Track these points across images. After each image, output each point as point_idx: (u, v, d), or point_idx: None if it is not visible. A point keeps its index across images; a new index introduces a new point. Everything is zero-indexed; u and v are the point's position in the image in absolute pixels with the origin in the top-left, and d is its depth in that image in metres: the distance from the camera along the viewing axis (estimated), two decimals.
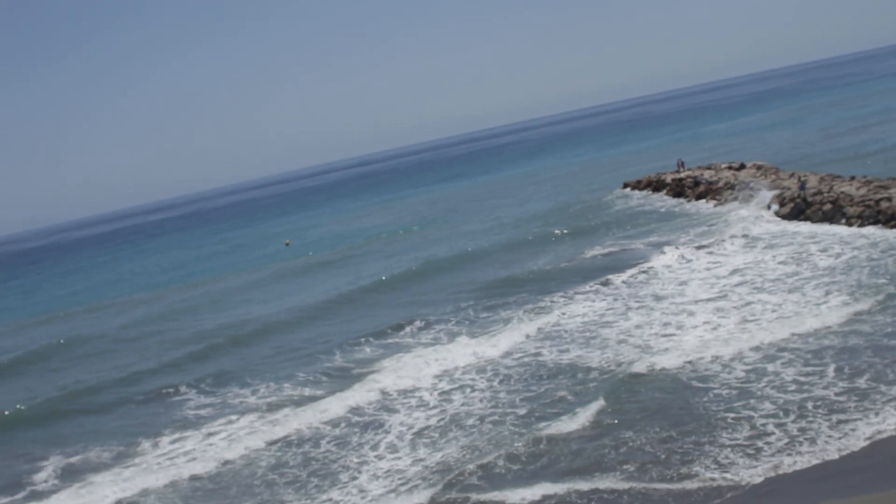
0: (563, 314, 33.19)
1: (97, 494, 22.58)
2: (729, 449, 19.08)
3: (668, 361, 24.93)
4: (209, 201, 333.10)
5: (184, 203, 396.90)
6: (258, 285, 56.37)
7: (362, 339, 34.48)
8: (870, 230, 37.68)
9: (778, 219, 44.54)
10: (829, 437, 18.87)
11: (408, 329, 35.08)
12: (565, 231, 53.98)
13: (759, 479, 17.59)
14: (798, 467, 17.88)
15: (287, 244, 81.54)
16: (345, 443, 23.66)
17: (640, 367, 24.86)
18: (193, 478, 22.81)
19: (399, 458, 21.81)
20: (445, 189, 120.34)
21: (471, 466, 20.23)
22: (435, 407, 25.25)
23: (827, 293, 29.31)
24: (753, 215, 46.35)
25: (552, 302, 35.66)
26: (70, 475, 24.63)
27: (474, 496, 18.89)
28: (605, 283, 37.24)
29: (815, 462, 17.95)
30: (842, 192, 43.09)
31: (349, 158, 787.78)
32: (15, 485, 24.65)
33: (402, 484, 20.24)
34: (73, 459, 25.96)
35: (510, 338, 30.94)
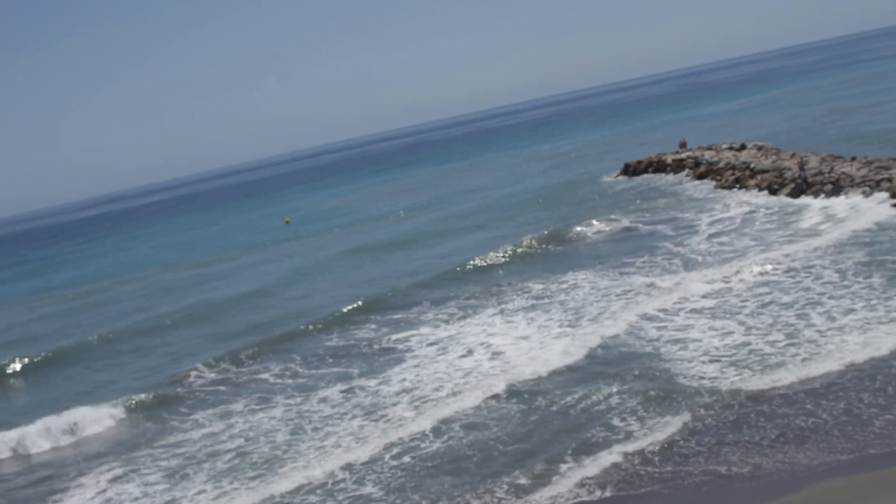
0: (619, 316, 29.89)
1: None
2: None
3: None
4: (209, 182, 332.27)
5: (181, 185, 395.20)
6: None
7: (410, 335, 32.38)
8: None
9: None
10: None
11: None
12: (573, 215, 52.92)
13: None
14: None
15: (287, 222, 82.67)
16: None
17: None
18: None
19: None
20: (439, 172, 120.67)
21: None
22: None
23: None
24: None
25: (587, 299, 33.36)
26: None
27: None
28: (624, 273, 36.12)
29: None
30: (842, 173, 43.52)
31: (342, 140, 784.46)
32: None
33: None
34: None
35: (560, 343, 27.80)
